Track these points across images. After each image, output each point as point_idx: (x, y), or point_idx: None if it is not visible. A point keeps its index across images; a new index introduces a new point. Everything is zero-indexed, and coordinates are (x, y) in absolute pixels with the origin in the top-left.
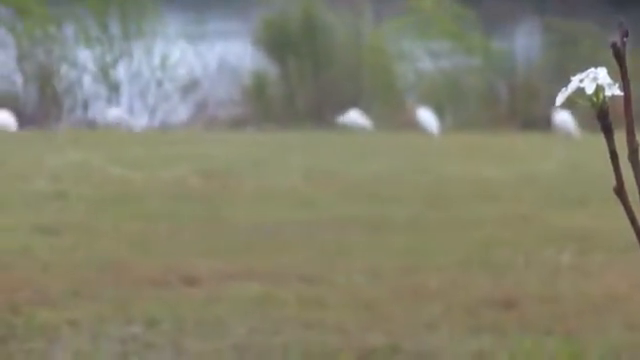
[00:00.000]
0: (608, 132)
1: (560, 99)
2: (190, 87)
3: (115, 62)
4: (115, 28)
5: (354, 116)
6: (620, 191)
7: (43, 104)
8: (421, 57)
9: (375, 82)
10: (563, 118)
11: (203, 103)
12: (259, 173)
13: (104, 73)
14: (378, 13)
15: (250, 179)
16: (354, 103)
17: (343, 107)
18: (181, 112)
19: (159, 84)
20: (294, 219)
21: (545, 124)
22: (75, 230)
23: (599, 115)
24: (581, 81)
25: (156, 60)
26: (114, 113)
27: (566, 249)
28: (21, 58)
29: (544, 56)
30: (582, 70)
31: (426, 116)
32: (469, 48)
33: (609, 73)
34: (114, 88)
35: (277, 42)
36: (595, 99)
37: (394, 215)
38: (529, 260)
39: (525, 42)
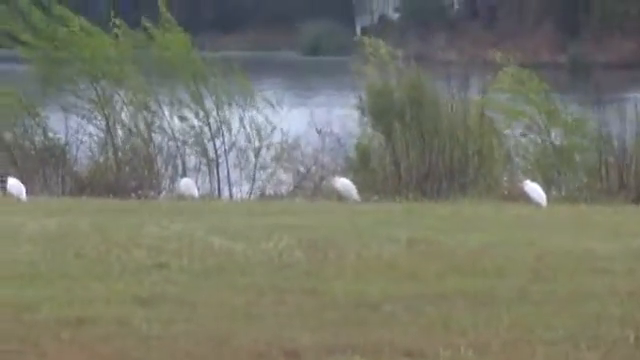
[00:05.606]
0: None
1: None
2: (290, 156)
3: (212, 134)
4: (209, 99)
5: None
6: None
7: (142, 175)
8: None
9: (481, 152)
10: None
11: (305, 172)
12: (362, 244)
13: (202, 145)
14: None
15: (352, 250)
16: (457, 172)
17: (448, 176)
18: (282, 182)
19: (257, 153)
20: (397, 292)
21: None
22: (175, 302)
23: None
24: None
25: (253, 129)
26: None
27: None
28: (118, 128)
29: None
30: None
31: (534, 188)
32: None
33: None
34: (212, 159)
35: (383, 111)
36: None
37: (500, 288)
38: None
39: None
